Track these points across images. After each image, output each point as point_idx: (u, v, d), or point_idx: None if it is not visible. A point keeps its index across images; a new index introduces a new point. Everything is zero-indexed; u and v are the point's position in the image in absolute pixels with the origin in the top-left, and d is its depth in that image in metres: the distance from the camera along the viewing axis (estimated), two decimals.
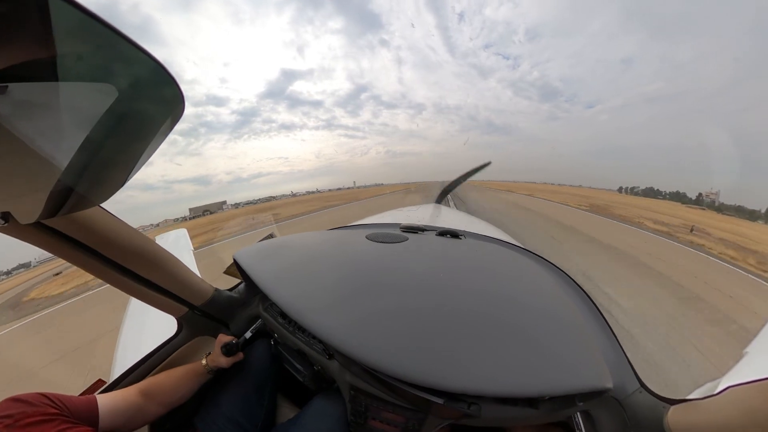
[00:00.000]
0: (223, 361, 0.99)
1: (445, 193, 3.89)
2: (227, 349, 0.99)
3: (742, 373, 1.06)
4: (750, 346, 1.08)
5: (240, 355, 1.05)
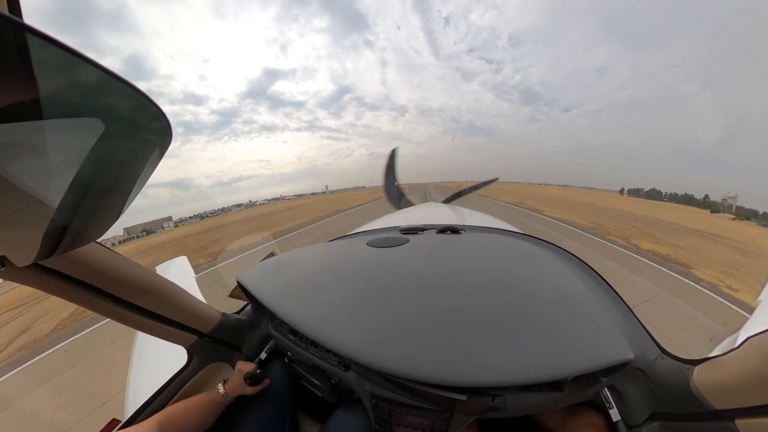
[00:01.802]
0: (249, 390, 0.98)
1: (399, 197, 3.88)
2: (252, 380, 0.99)
3: (758, 322, 1.06)
4: (762, 294, 1.08)
5: (266, 382, 1.04)
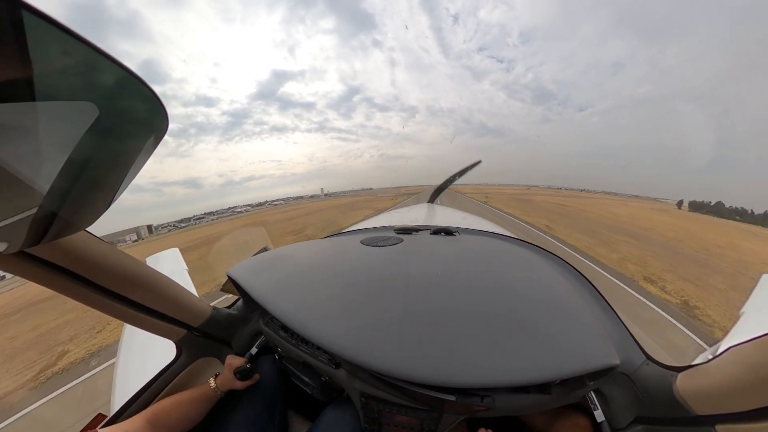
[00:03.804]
0: (239, 385, 0.98)
1: (438, 192, 3.94)
2: (242, 375, 0.98)
3: (740, 333, 1.10)
4: (745, 306, 1.13)
5: (256, 377, 1.03)
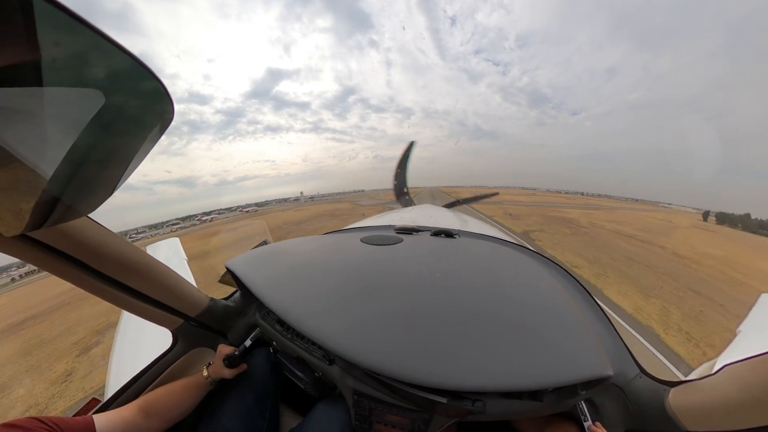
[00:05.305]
0: (227, 373, 0.99)
1: (403, 194, 3.88)
2: (230, 362, 0.99)
3: (736, 351, 1.09)
4: (742, 325, 1.12)
5: (243, 366, 1.04)
